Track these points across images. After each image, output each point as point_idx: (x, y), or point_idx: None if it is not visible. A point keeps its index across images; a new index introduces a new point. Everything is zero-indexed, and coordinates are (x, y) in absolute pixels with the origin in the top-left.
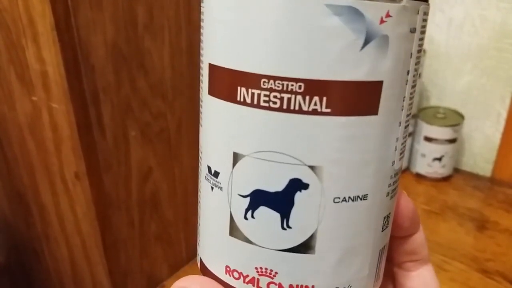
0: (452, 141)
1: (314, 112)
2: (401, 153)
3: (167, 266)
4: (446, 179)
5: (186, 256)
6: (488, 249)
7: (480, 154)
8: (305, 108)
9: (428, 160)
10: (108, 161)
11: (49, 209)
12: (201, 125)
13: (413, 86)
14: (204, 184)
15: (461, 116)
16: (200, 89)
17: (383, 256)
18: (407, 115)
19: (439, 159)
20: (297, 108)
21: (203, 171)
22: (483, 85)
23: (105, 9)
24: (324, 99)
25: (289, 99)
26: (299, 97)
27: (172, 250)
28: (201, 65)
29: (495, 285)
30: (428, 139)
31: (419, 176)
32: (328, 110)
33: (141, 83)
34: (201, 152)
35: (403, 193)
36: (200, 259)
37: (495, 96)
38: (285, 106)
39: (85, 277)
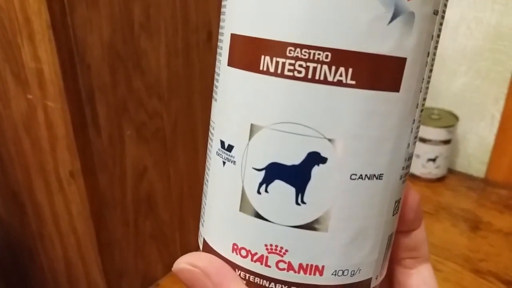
0: (447, 142)
1: (339, 83)
2: (415, 137)
3: (162, 265)
4: (440, 179)
5: (181, 255)
6: (481, 249)
7: (474, 155)
8: (330, 78)
9: (422, 161)
10: (103, 160)
11: (44, 208)
12: (215, 100)
13: (431, 70)
14: (214, 160)
15: (456, 118)
16: (217, 63)
17: (391, 244)
18: (424, 99)
19: (434, 160)
20: (322, 78)
21: (214, 147)
22: (478, 87)
23: (102, 9)
24: (350, 70)
25: (314, 69)
26: (325, 67)
27: (167, 250)
28: (220, 37)
29: (488, 286)
30: (422, 140)
31: (413, 177)
32: (353, 82)
33: (137, 83)
34: (213, 128)
35: (409, 185)
36: (204, 239)
37: (489, 97)
38: (310, 76)
39: (80, 276)
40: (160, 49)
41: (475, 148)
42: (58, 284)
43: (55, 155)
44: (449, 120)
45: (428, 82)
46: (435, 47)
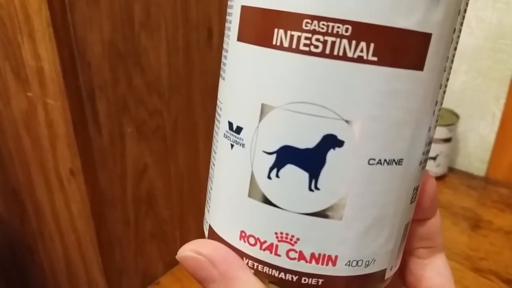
0: (447, 140)
1: (359, 60)
2: (436, 121)
3: (162, 264)
4: (440, 178)
5: None
6: (481, 248)
7: (475, 154)
8: (350, 54)
9: None
10: (103, 158)
11: (44, 206)
12: (223, 78)
13: (455, 48)
14: (221, 143)
15: (456, 116)
16: (225, 39)
17: (406, 234)
18: (447, 79)
19: (434, 158)
20: (341, 53)
21: (221, 128)
22: (479, 85)
23: (102, 6)
24: (372, 45)
25: (333, 43)
26: (344, 41)
27: (167, 248)
28: (230, 10)
29: (489, 284)
30: None
31: None
32: (375, 59)
33: (138, 80)
34: (220, 109)
35: (426, 171)
36: (209, 226)
37: (490, 96)
38: (327, 51)
39: (80, 274)
40: (161, 47)
41: (476, 147)
42: (58, 282)
43: (55, 153)
44: (449, 118)
45: (452, 61)
46: (461, 23)
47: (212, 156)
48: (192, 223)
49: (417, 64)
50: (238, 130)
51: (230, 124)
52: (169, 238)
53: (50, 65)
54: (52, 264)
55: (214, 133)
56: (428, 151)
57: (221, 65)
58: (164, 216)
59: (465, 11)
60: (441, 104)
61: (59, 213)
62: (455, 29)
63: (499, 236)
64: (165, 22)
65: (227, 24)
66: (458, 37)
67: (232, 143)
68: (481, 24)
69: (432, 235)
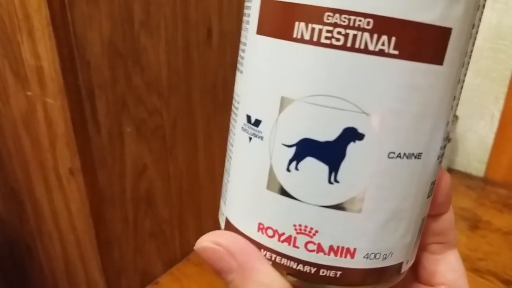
0: None
1: (381, 53)
2: (454, 115)
3: (161, 263)
4: None
5: (180, 253)
6: (480, 248)
7: (474, 154)
8: (371, 47)
9: None
10: (102, 157)
11: (43, 205)
12: (241, 72)
13: (473, 44)
14: (239, 136)
15: (455, 116)
16: (243, 32)
17: (422, 228)
18: (464, 75)
19: None
20: (362, 47)
21: (239, 122)
22: (478, 86)
23: (101, 5)
24: (393, 39)
25: (354, 36)
26: (366, 35)
27: (166, 247)
28: (248, 4)
29: (487, 285)
30: None
31: None
32: (396, 52)
33: (137, 80)
34: (238, 102)
35: (441, 166)
36: (226, 218)
37: (489, 96)
38: (349, 44)
39: (79, 273)
40: (160, 46)
41: (475, 147)
42: (57, 281)
43: (55, 152)
44: None
45: (470, 56)
46: (480, 19)
47: (228, 149)
48: (191, 222)
49: (437, 58)
50: (257, 123)
51: (249, 117)
52: (168, 237)
53: (49, 64)
54: (51, 263)
55: (231, 126)
56: (445, 146)
57: (238, 58)
58: (163, 216)
59: (483, 6)
60: (459, 99)
61: (58, 212)
62: (474, 24)
63: (497, 237)
64: (164, 22)
65: (244, 18)
66: (477, 32)
67: (250, 136)
68: (481, 25)
69: (445, 230)
